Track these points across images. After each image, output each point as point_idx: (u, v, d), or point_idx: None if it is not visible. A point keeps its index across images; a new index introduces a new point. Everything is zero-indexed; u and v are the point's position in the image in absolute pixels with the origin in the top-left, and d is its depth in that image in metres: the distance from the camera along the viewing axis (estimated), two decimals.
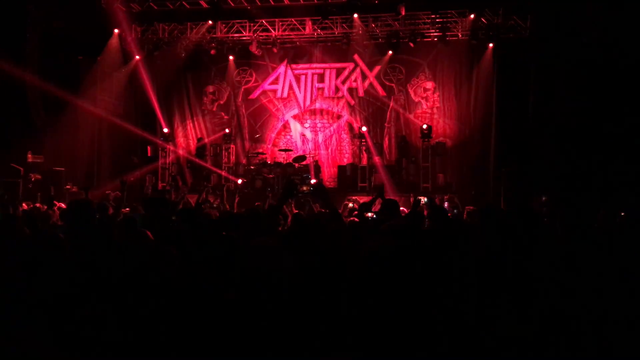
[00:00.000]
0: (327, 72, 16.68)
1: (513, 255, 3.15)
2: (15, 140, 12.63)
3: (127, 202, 8.17)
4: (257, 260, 2.55)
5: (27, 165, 12.83)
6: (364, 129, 15.33)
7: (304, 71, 16.79)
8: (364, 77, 16.36)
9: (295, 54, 16.70)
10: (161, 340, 2.59)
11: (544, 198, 10.69)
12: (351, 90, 16.52)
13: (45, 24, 13.63)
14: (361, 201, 11.79)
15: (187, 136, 17.28)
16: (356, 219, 5.98)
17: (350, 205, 11.94)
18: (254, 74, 16.98)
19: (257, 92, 16.98)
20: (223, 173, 15.69)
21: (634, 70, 11.63)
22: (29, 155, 13.15)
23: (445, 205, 12.15)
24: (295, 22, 15.70)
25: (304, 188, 5.62)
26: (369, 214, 6.54)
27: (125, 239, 4.15)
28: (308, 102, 16.77)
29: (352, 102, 16.49)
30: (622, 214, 7.08)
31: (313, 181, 13.67)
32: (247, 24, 15.85)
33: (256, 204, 9.60)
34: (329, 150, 16.58)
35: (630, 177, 10.95)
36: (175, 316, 2.64)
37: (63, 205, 7.97)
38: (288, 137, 16.90)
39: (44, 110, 13.64)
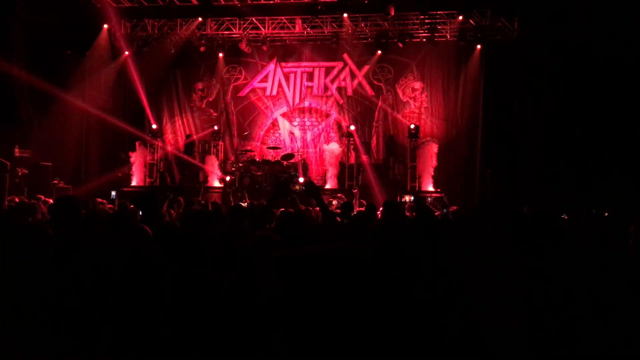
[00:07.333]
0: (317, 71, 16.73)
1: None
2: (2, 134, 12.49)
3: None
4: (263, 249, 2.59)
5: (14, 160, 12.71)
6: (352, 127, 15.39)
7: (294, 69, 16.84)
8: (353, 76, 16.43)
9: (285, 52, 16.74)
10: (158, 334, 2.61)
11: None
12: (340, 89, 16.59)
13: (33, 18, 13.52)
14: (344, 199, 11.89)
15: (176, 132, 17.24)
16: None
17: (335, 202, 12.05)
18: (243, 72, 16.99)
19: (247, 90, 17.00)
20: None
21: (619, 71, 11.81)
22: (16, 150, 13.04)
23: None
24: (285, 20, 15.73)
25: (296, 187, 5.65)
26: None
27: (116, 235, 4.15)
28: (297, 101, 16.81)
29: (341, 101, 16.56)
30: (606, 214, 7.19)
31: (301, 180, 13.71)
32: (237, 22, 15.85)
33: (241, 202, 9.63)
34: (317, 148, 16.63)
35: (616, 177, 11.12)
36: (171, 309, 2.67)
37: (50, 200, 7.94)
38: (277, 134, 16.93)
39: (32, 104, 13.54)
